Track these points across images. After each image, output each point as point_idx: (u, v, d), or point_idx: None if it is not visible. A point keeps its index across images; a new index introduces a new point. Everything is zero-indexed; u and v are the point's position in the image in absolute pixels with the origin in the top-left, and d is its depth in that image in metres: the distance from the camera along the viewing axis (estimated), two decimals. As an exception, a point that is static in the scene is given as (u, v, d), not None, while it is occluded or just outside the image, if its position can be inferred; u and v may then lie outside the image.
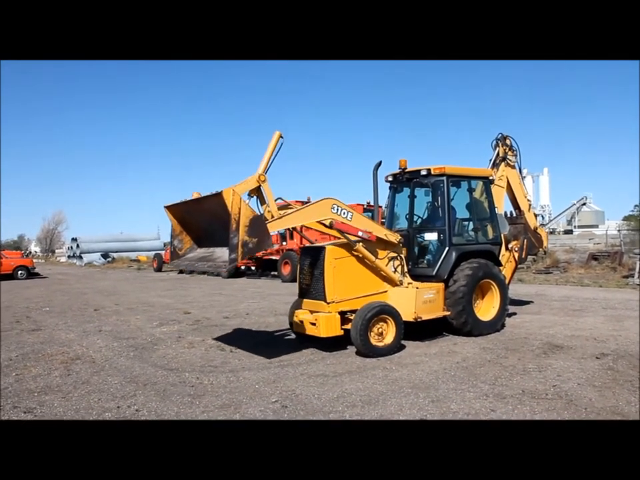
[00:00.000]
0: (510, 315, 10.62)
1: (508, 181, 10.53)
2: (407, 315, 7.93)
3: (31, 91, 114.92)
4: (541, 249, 11.58)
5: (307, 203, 22.48)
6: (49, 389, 6.52)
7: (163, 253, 34.57)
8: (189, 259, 7.56)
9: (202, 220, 7.43)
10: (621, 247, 22.31)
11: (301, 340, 8.56)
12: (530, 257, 23.27)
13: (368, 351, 7.41)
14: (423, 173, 8.68)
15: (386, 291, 8.25)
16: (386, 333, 7.62)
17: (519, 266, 21.08)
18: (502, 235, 9.82)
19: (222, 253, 6.80)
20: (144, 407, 5.74)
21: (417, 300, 7.97)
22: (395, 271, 8.29)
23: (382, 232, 8.19)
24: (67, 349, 8.96)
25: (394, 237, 8.29)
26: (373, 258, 7.97)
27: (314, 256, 8.03)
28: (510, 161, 10.51)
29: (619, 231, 26.40)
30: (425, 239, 8.92)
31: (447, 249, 8.50)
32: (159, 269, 32.65)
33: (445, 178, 8.61)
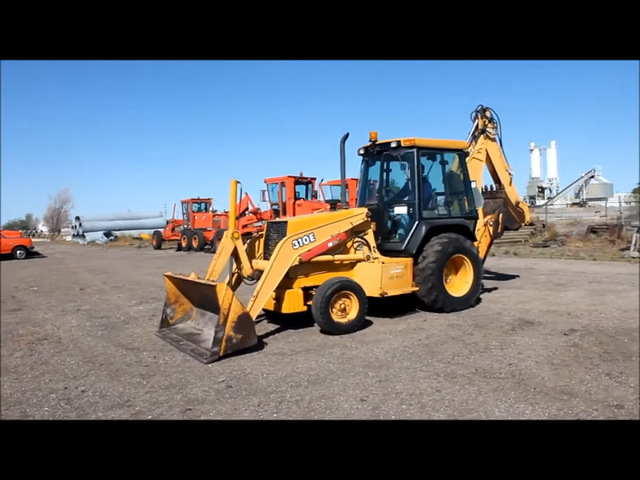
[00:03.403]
0: (490, 290, 10.41)
1: (488, 154, 10.19)
2: (373, 291, 7.73)
3: (39, 70, 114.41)
4: (523, 224, 11.23)
5: (299, 177, 22.33)
6: (5, 370, 6.42)
7: (162, 230, 34.51)
8: (177, 331, 7.69)
9: (197, 297, 7.80)
10: (620, 219, 21.84)
11: (270, 317, 8.40)
12: (528, 230, 22.93)
13: (330, 328, 7.24)
14: (393, 145, 8.39)
15: (352, 267, 8.04)
16: (349, 309, 7.43)
17: (508, 239, 20.76)
18: (480, 210, 9.54)
19: (209, 336, 6.96)
20: (91, 387, 5.63)
21: (382, 275, 7.76)
22: (357, 250, 8.08)
23: (347, 223, 7.96)
24: (38, 329, 8.87)
25: (360, 217, 8.05)
26: (332, 258, 7.84)
27: (278, 231, 7.83)
28: (489, 133, 10.15)
29: (619, 203, 25.84)
30: (395, 212, 8.65)
31: (416, 223, 8.24)
32: (158, 247, 32.62)
33: (415, 150, 8.30)
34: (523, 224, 11.15)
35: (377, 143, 8.67)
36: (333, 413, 4.58)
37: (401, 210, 8.52)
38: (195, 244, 28.31)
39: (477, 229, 9.17)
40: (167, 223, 36.15)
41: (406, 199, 8.58)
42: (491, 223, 9.36)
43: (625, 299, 9.06)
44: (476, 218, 9.12)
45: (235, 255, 7.67)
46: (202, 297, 7.51)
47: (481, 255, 9.14)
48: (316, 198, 22.73)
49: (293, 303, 7.47)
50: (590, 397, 4.60)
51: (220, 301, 6.39)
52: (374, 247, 8.17)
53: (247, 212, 26.65)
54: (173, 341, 7.38)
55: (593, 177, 59.03)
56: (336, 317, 7.33)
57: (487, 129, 10.11)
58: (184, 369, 6.16)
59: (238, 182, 7.54)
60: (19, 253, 27.73)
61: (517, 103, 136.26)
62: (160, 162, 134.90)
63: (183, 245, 29.47)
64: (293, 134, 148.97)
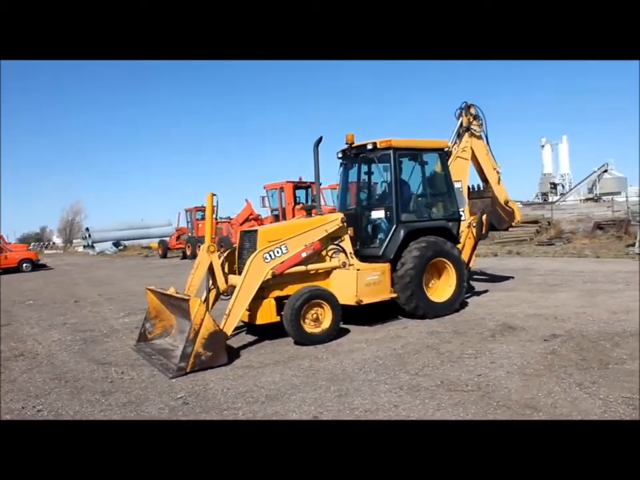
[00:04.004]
0: (479, 293, 10.11)
1: (473, 152, 9.87)
2: (348, 299, 7.48)
3: (39, 82, 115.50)
4: (512, 223, 10.85)
5: (298, 182, 22.03)
6: (-29, 390, 6.30)
7: (167, 239, 34.49)
8: (153, 346, 7.54)
9: (178, 312, 7.56)
10: (628, 214, 21.27)
11: (250, 328, 8.18)
12: (534, 228, 22.47)
13: (303, 340, 7.01)
14: (369, 147, 8.15)
15: (329, 274, 7.80)
16: (322, 318, 7.18)
17: (513, 238, 20.31)
18: (466, 210, 9.26)
19: None
20: (48, 406, 5.51)
21: (358, 282, 7.49)
22: (332, 257, 7.83)
23: (322, 231, 7.66)
24: (19, 345, 8.78)
25: (335, 223, 7.78)
26: (305, 268, 7.58)
27: (250, 240, 7.63)
28: (475, 130, 9.81)
29: (626, 198, 25.13)
30: (373, 217, 8.38)
31: (394, 226, 7.95)
32: (164, 256, 32.55)
33: (391, 151, 8.04)
34: (512, 223, 10.78)
35: (353, 145, 8.43)
36: (280, 432, 4.35)
37: (379, 214, 8.26)
38: (198, 251, 28.15)
39: (461, 230, 8.87)
40: (176, 230, 36.08)
41: (384, 202, 8.32)
42: (474, 225, 9.03)
43: (617, 299, 8.69)
44: (459, 219, 8.81)
45: (210, 269, 7.48)
46: (181, 311, 7.34)
47: (465, 257, 8.81)
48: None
49: (266, 313, 7.28)
50: (554, 411, 4.31)
51: (192, 316, 6.24)
52: (351, 253, 7.89)
53: (250, 218, 26.56)
54: (147, 355, 7.22)
55: (606, 170, 58.10)
56: (309, 327, 7.09)
57: (472, 127, 9.77)
58: (147, 384, 6.00)
59: (214, 194, 7.50)
60: (25, 266, 27.87)
61: (526, 98, 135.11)
62: (170, 170, 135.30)
63: (188, 253, 29.35)
64: (293, 139, 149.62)
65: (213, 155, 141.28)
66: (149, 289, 8.05)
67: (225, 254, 8.08)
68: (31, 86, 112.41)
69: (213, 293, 7.81)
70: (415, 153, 8.45)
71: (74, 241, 66.67)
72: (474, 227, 8.99)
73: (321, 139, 8.10)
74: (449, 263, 8.23)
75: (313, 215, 8.34)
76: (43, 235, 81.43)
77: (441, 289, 8.37)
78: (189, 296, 6.94)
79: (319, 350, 6.83)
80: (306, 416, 4.62)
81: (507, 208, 10.29)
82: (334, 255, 7.84)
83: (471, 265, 9.44)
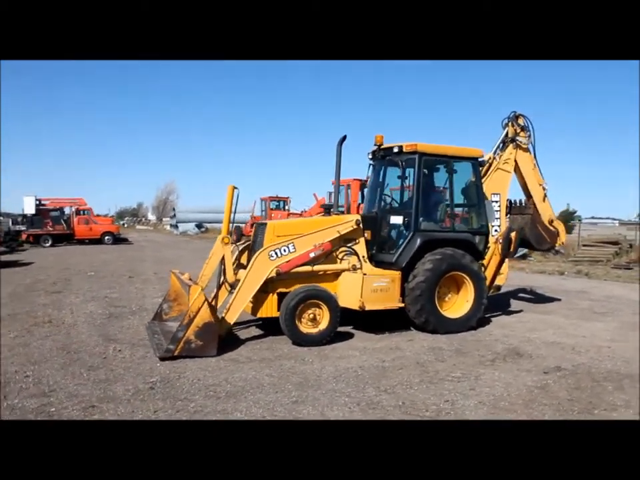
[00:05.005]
0: (511, 312, 9.53)
1: (517, 165, 9.23)
2: (352, 303, 7.30)
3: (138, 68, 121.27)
4: (556, 245, 10.01)
5: (365, 180, 21.73)
6: (-14, 350, 6.76)
7: (243, 225, 35.33)
8: (162, 327, 7.69)
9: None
10: None
11: (263, 321, 8.17)
12: (612, 249, 20.77)
13: (298, 339, 6.93)
14: (395, 150, 7.88)
15: (338, 276, 7.64)
16: (320, 318, 7.04)
17: (589, 258, 18.84)
18: (502, 225, 8.75)
19: None
20: (37, 374, 5.83)
21: (363, 287, 7.25)
22: (342, 259, 7.64)
23: (334, 232, 7.50)
24: (55, 313, 9.35)
25: (349, 225, 7.59)
26: (311, 268, 7.41)
27: (262, 233, 7.66)
28: (521, 142, 9.15)
29: None
30: (392, 221, 8.08)
31: (411, 234, 7.63)
32: (237, 241, 33.32)
33: (417, 156, 7.72)
34: (555, 245, 9.96)
35: (382, 147, 8.19)
36: (213, 431, 4.30)
37: (398, 219, 7.94)
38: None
39: (488, 245, 8.36)
40: (251, 217, 36.91)
41: (404, 208, 8.01)
42: (501, 241, 8.42)
43: (658, 337, 7.83)
44: (486, 233, 8.31)
45: (223, 261, 7.55)
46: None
47: (488, 275, 8.27)
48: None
49: (267, 308, 7.29)
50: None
51: (190, 302, 6.35)
52: (364, 257, 7.67)
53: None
54: (152, 332, 7.44)
55: None
56: (305, 327, 6.98)
57: (518, 138, 9.13)
58: (133, 365, 6.18)
59: (235, 187, 7.51)
60: (107, 239, 29.72)
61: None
62: (260, 159, 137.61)
63: (258, 241, 30.02)
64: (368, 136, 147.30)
65: (300, 145, 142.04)
66: (173, 272, 8.27)
67: (242, 246, 8.15)
68: (133, 72, 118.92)
69: (225, 285, 7.87)
70: (444, 160, 8.06)
71: (164, 219, 70.09)
72: (500, 242, 8.41)
73: (344, 137, 7.94)
74: (467, 277, 7.78)
75: (332, 214, 8.20)
76: (139, 210, 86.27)
77: (458, 304, 7.93)
78: (195, 283, 7.04)
79: (310, 352, 6.71)
80: (248, 419, 4.55)
81: (551, 228, 9.53)
82: (345, 257, 7.66)
83: (500, 283, 8.85)
